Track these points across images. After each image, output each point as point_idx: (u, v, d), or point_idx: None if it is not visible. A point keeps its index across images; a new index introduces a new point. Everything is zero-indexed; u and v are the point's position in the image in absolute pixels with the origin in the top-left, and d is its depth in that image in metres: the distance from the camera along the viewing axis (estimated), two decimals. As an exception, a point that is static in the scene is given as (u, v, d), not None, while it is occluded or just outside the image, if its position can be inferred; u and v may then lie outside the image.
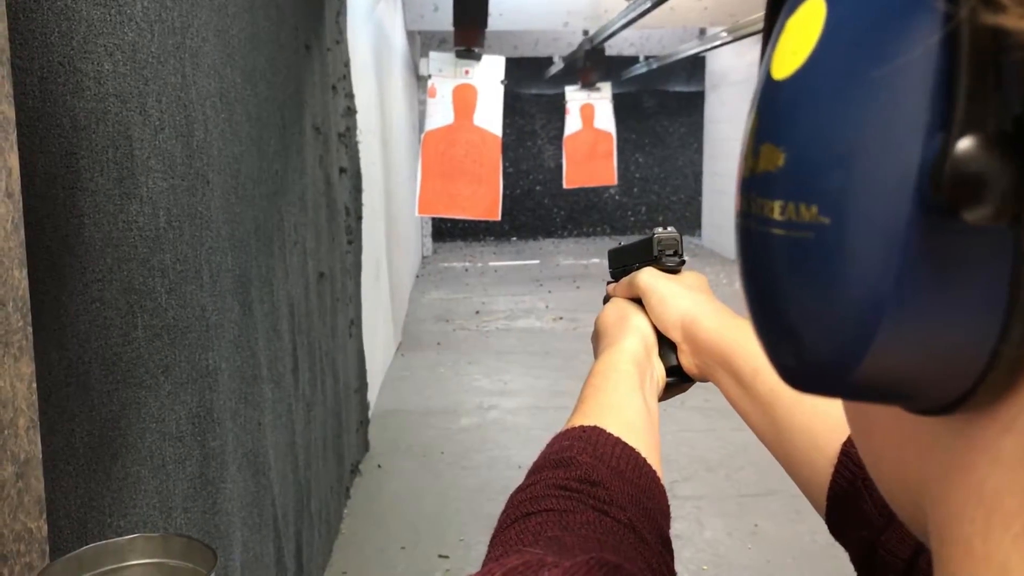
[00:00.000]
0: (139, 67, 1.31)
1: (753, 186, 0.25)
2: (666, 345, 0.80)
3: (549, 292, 8.63)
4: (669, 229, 0.86)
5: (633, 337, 0.79)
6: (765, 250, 0.24)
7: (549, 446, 0.67)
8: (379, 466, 4.21)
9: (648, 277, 0.83)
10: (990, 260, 0.21)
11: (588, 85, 6.31)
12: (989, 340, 0.21)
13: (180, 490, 1.45)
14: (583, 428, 0.66)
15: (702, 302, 0.79)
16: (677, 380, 0.81)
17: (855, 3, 0.22)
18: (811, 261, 0.23)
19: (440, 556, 3.32)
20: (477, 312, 7.78)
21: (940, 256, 0.21)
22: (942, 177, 0.20)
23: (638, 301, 0.84)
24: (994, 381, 0.22)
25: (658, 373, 0.79)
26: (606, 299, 0.92)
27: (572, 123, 6.33)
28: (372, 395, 4.70)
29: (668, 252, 0.85)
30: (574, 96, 6.35)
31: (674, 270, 0.84)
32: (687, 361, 0.79)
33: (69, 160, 1.11)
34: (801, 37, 0.23)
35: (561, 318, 7.40)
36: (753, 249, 0.25)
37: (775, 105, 0.24)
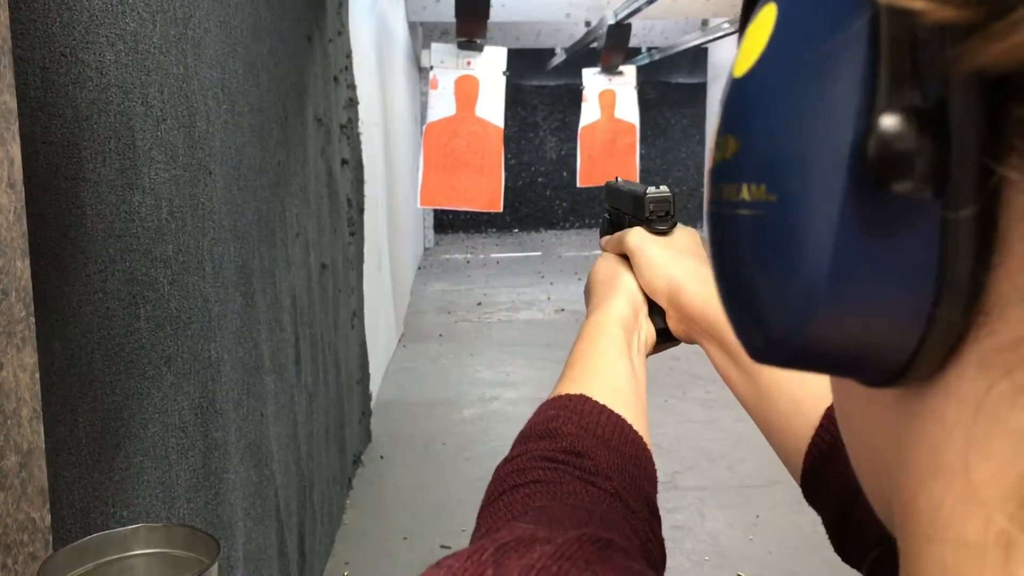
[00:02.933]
0: (141, 58, 1.30)
1: (717, 173, 0.27)
2: (654, 306, 0.80)
3: (551, 284, 8.63)
4: (662, 189, 0.83)
5: (621, 298, 0.79)
6: (727, 230, 0.26)
7: (536, 415, 0.67)
8: (381, 457, 4.22)
9: (636, 239, 0.82)
10: (920, 229, 0.22)
11: (610, 68, 5.41)
12: (925, 307, 0.23)
13: (183, 480, 1.45)
14: (569, 397, 0.67)
15: (689, 268, 0.78)
16: (664, 339, 0.80)
17: (799, 6, 0.24)
18: (762, 236, 0.25)
19: (442, 547, 3.33)
20: (479, 304, 7.78)
21: (874, 227, 0.23)
22: (868, 151, 0.22)
23: (628, 258, 0.83)
24: (932, 348, 0.23)
25: (646, 333, 0.79)
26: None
27: (589, 112, 5.39)
28: (374, 386, 4.70)
29: (660, 214, 0.82)
30: (593, 81, 5.41)
31: (664, 232, 0.82)
32: (673, 324, 0.79)
33: (71, 151, 1.11)
34: (756, 39, 0.26)
35: (563, 310, 7.40)
36: (718, 231, 0.27)
37: (733, 100, 0.26)
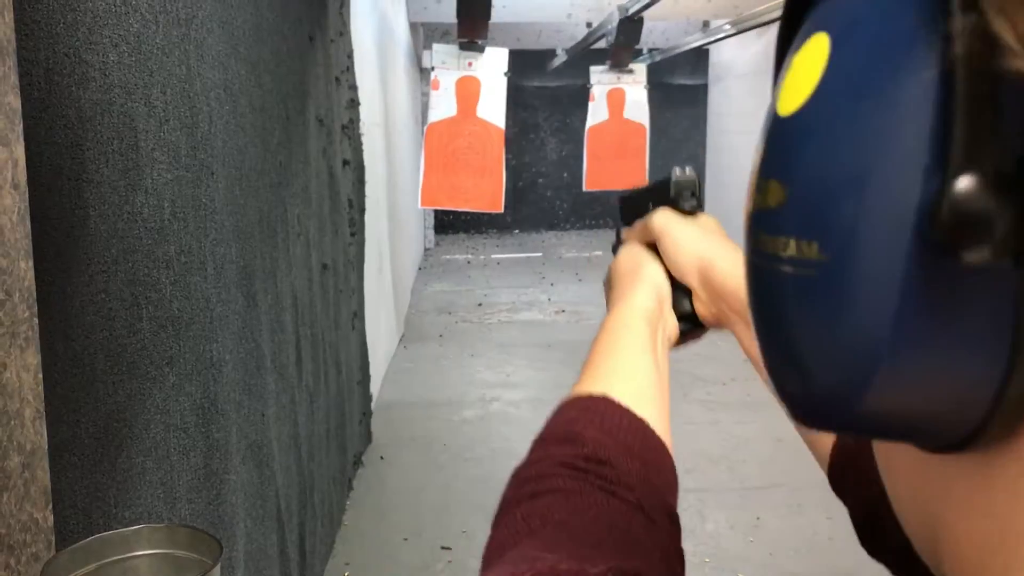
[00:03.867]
0: (144, 58, 1.31)
1: (759, 222, 0.25)
2: (680, 291, 0.77)
3: (552, 285, 8.63)
4: (688, 170, 0.81)
5: (645, 290, 0.76)
6: (771, 286, 0.24)
7: (556, 415, 0.64)
8: (382, 458, 4.22)
9: (663, 219, 0.79)
10: (992, 299, 0.20)
11: (619, 66, 5.04)
12: (995, 377, 0.21)
13: (184, 481, 1.45)
14: (591, 398, 0.64)
15: (719, 245, 0.75)
16: (691, 327, 0.77)
17: (858, 42, 0.22)
18: (813, 298, 0.23)
19: (443, 548, 3.33)
20: (479, 304, 7.78)
21: (940, 295, 0.21)
22: (940, 216, 0.20)
23: (652, 246, 0.80)
24: (1004, 418, 0.22)
25: (670, 326, 0.76)
26: (615, 247, 0.88)
27: (597, 112, 5.10)
28: (375, 387, 4.70)
29: (686, 194, 0.80)
30: (601, 79, 5.09)
31: (691, 213, 0.80)
32: (702, 308, 0.76)
33: (75, 151, 1.12)
34: (805, 74, 0.23)
35: (563, 311, 7.40)
36: (760, 284, 0.25)
37: (779, 141, 0.24)
